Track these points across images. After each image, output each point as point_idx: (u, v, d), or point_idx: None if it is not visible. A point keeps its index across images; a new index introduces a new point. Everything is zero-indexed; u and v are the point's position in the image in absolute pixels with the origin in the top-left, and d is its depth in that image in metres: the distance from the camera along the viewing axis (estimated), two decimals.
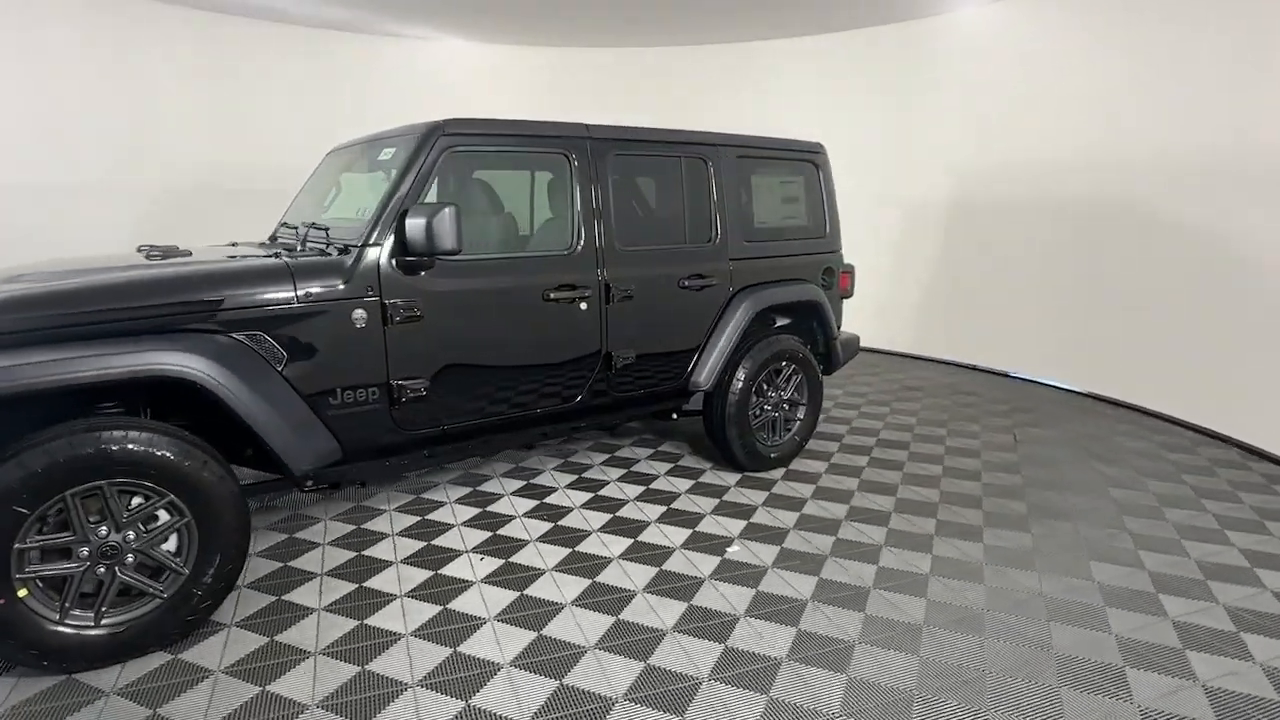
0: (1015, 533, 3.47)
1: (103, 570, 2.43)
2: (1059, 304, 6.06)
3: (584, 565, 3.17)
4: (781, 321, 4.63)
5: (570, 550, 3.30)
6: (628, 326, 3.80)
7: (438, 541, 3.39)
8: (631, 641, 2.60)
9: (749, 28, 7.26)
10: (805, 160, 4.66)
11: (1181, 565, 3.17)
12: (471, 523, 3.59)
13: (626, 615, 2.77)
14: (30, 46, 5.86)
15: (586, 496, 3.91)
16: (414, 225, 2.97)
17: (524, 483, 4.08)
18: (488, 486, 4.02)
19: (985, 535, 3.45)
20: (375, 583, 3.02)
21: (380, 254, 3.06)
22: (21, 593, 2.31)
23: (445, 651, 2.55)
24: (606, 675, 2.41)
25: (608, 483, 4.10)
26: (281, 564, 3.19)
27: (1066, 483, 4.10)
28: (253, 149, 7.11)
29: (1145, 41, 5.34)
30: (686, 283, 4.02)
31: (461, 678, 2.41)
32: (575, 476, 4.18)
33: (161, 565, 2.51)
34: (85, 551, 2.40)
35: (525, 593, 2.93)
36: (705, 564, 3.18)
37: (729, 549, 3.32)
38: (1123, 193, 5.48)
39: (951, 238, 6.98)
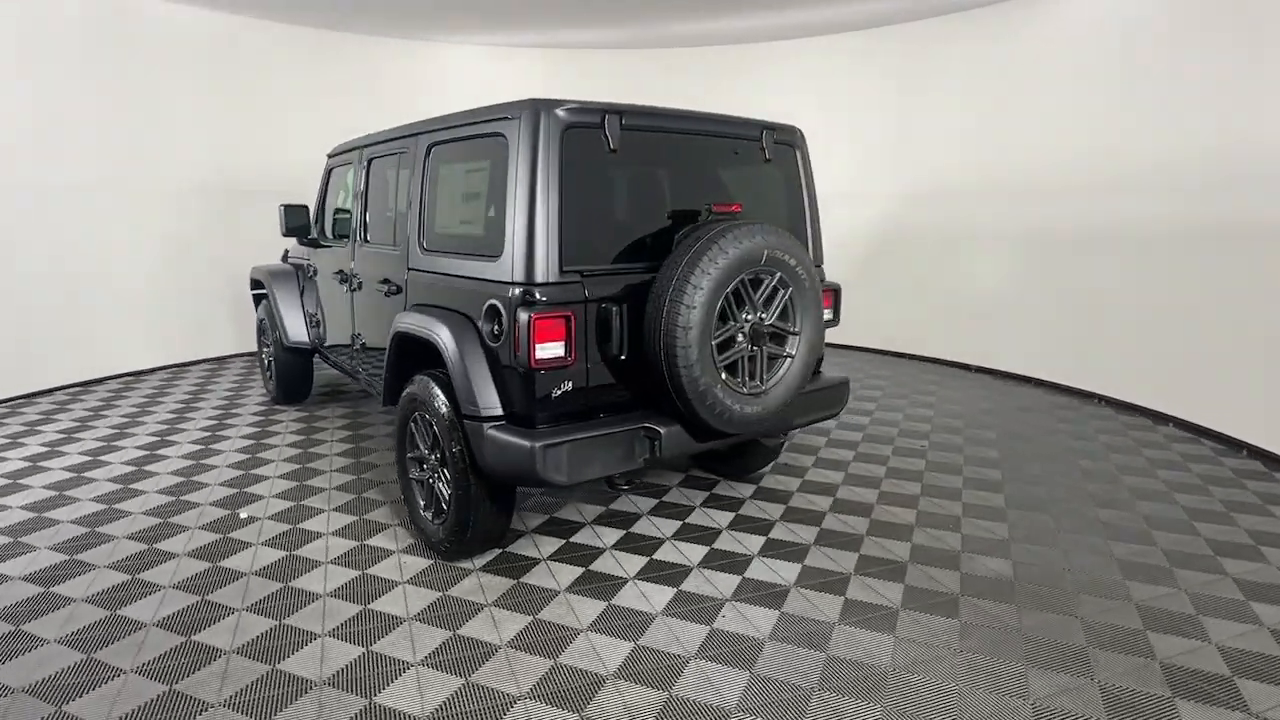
0: None
1: None
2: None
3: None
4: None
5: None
6: (359, 314, 4.38)
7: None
8: None
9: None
10: (493, 136, 3.01)
11: None
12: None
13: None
14: (34, 45, 5.91)
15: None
16: None
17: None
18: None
19: None
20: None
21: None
22: None
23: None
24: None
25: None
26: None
27: None
28: (263, 149, 7.47)
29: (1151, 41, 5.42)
30: (380, 287, 3.93)
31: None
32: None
33: None
34: None
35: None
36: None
37: (242, 514, 3.83)
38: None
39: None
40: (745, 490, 4.24)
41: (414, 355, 3.48)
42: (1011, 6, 6.66)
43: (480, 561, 3.38)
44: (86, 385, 6.54)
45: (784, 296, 3.09)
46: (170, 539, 3.59)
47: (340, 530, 3.70)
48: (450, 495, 3.19)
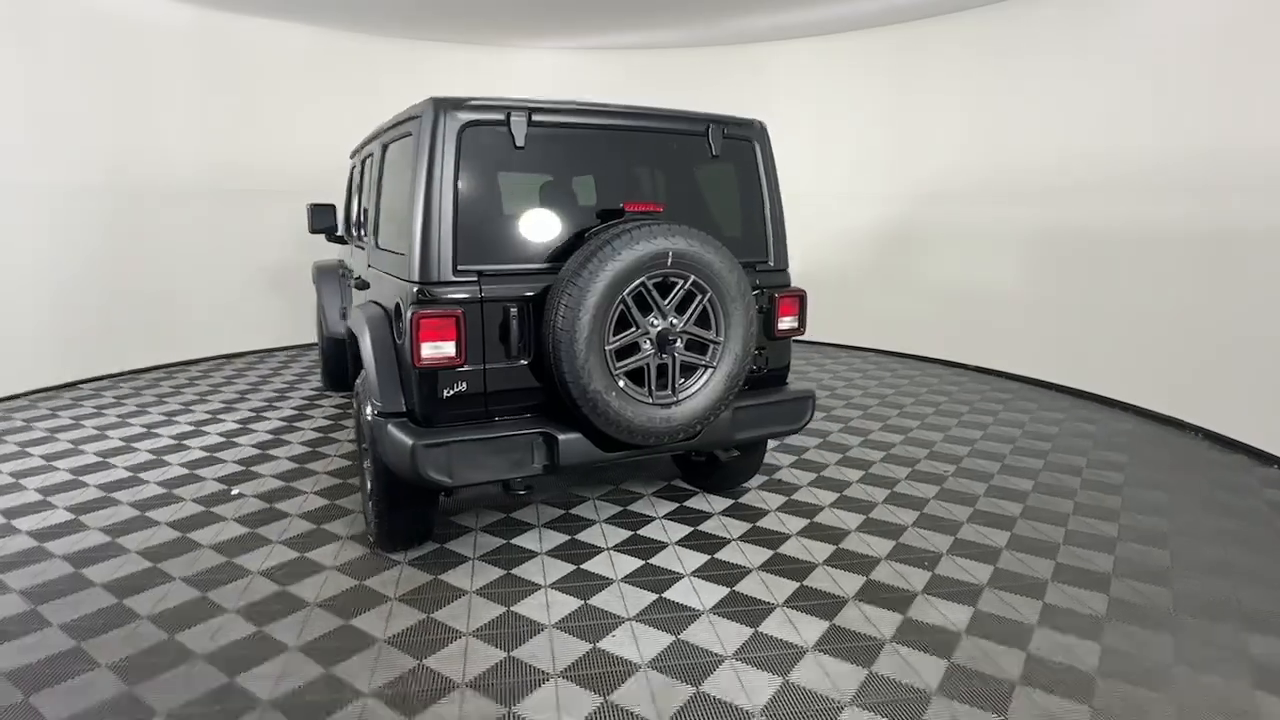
0: None
1: None
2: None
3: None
4: None
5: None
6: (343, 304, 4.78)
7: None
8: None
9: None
10: (407, 136, 3.10)
11: None
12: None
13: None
14: (29, 45, 5.88)
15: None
16: None
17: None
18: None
19: None
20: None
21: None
22: None
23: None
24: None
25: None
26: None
27: None
28: (260, 150, 7.48)
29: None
30: (351, 282, 4.21)
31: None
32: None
33: None
34: None
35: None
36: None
37: (233, 490, 4.12)
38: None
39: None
40: (720, 505, 4.02)
41: None
42: (1010, 6, 6.46)
43: (413, 555, 3.43)
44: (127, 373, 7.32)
45: (701, 302, 2.88)
46: (163, 508, 3.92)
47: (307, 513, 3.87)
48: (371, 488, 3.24)
